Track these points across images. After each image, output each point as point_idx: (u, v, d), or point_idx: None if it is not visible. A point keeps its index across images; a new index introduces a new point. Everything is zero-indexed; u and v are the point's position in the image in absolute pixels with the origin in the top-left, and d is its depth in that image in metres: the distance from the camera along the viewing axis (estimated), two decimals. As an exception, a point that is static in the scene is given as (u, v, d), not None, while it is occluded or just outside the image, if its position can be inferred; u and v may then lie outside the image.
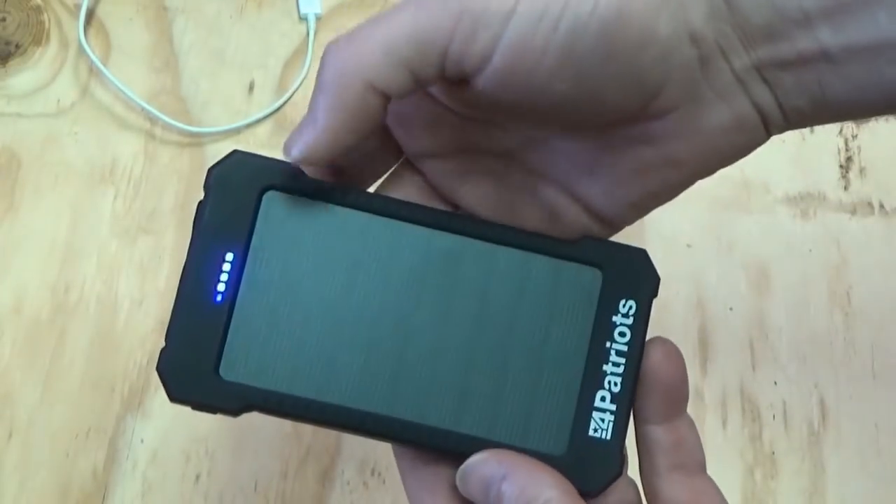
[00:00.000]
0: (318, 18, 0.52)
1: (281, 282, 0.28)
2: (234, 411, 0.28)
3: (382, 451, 0.42)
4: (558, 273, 0.29)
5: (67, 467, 0.41)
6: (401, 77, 0.26)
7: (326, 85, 0.26)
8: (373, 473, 0.42)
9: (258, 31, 0.51)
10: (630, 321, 0.28)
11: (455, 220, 0.29)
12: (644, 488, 0.29)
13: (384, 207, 0.29)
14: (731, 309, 0.46)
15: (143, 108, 0.49)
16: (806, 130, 0.50)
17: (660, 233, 0.47)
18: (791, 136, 0.50)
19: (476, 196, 0.30)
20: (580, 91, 0.26)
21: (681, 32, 0.25)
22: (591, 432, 0.28)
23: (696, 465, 0.28)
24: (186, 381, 0.28)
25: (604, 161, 0.29)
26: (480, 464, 0.27)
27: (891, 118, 0.51)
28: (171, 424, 0.42)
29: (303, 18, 0.52)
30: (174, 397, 0.28)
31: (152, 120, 0.49)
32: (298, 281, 0.28)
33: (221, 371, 0.28)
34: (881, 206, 0.49)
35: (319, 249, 0.28)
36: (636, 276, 0.29)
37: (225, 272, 0.28)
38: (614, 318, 0.28)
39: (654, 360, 0.28)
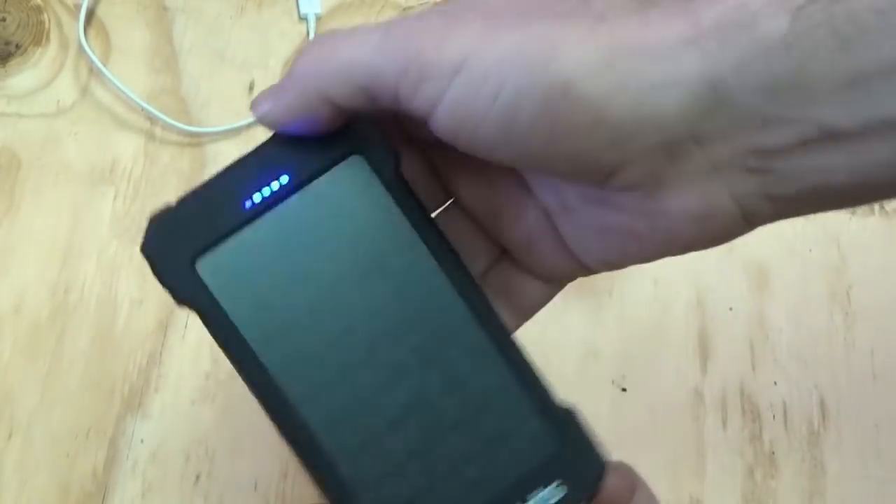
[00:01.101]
0: (318, 18, 0.52)
1: (296, 232, 0.27)
2: (179, 298, 0.27)
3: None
4: (526, 417, 0.28)
5: (67, 467, 0.41)
6: (356, 98, 0.25)
7: (291, 82, 0.26)
8: (373, 473, 0.42)
9: (258, 31, 0.51)
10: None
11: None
12: None
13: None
14: (731, 309, 0.46)
15: (143, 108, 0.49)
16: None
17: (660, 233, 0.48)
18: (791, 136, 0.50)
19: (470, 194, 0.30)
20: (527, 160, 0.25)
21: (641, 118, 0.22)
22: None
23: (624, 493, 0.28)
24: (167, 244, 0.27)
25: (574, 205, 0.27)
26: None
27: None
28: (170, 424, 0.42)
29: (303, 18, 0.52)
30: (146, 252, 0.27)
31: (152, 120, 0.49)
32: (308, 247, 0.27)
33: (200, 263, 0.27)
34: (881, 205, 0.49)
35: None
36: (583, 476, 0.29)
37: (270, 189, 0.27)
38: (539, 490, 0.28)
39: (613, 483, 0.29)
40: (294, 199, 0.27)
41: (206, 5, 0.52)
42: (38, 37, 0.51)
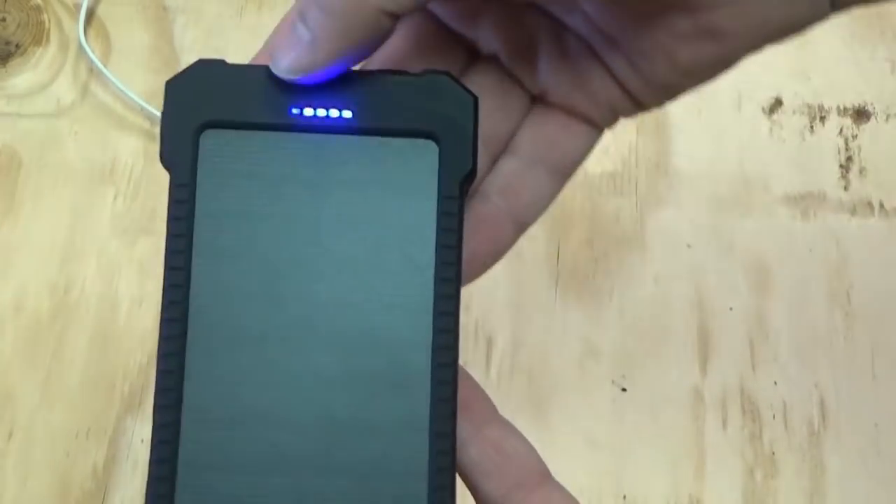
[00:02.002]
0: (318, 18, 0.52)
1: (315, 170, 0.24)
2: (163, 151, 0.25)
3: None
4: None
5: (67, 467, 0.41)
6: None
7: (335, 9, 0.23)
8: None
9: (258, 31, 0.51)
10: None
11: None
12: None
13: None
14: (731, 309, 0.46)
15: (143, 108, 0.49)
16: (806, 130, 0.51)
17: (660, 233, 0.47)
18: (791, 135, 0.50)
19: (505, 40, 0.27)
20: None
21: None
22: None
23: (534, 474, 0.24)
24: (193, 95, 0.24)
25: (629, 29, 0.25)
26: None
27: (890, 117, 0.51)
28: (171, 424, 0.42)
29: (303, 18, 0.52)
30: (169, 88, 0.25)
31: (152, 120, 0.49)
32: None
33: (208, 133, 0.25)
34: (881, 206, 0.49)
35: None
36: None
37: (327, 113, 0.24)
38: None
39: None
40: (339, 140, 0.24)
41: (206, 5, 0.52)
42: (38, 37, 0.51)
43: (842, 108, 0.51)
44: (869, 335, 0.46)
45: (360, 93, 0.24)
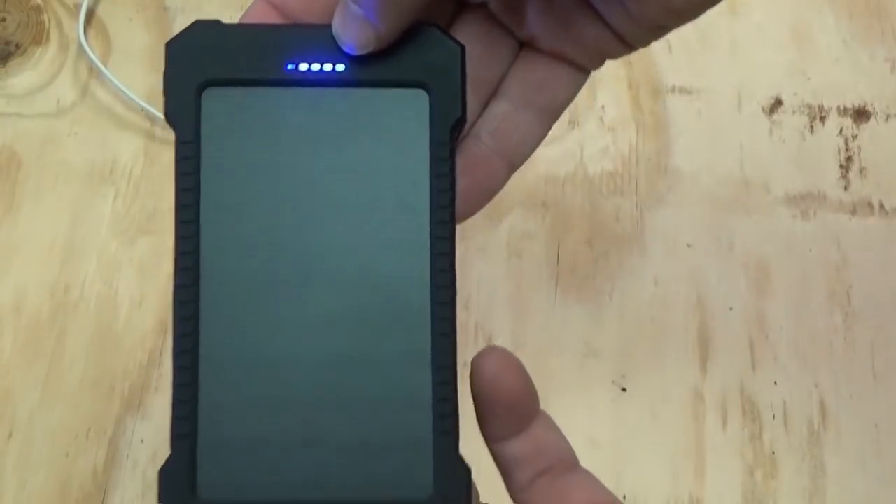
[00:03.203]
0: (318, 18, 0.52)
1: (312, 123, 0.25)
2: (168, 110, 0.25)
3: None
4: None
5: (67, 467, 0.41)
6: None
7: None
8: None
9: (258, 30, 0.51)
10: None
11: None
12: None
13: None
14: (731, 309, 0.46)
15: (143, 108, 0.49)
16: (806, 130, 0.51)
17: (660, 233, 0.47)
18: (791, 135, 0.50)
19: None
20: None
21: None
22: None
23: (563, 464, 0.26)
24: (191, 55, 0.25)
25: None
26: None
27: (890, 117, 0.51)
28: (171, 424, 0.42)
29: (303, 18, 0.52)
30: (169, 49, 0.25)
31: (152, 120, 0.49)
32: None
33: (209, 91, 0.25)
34: (881, 206, 0.49)
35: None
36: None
37: (321, 67, 0.25)
38: None
39: (489, 373, 0.25)
40: (334, 93, 0.25)
41: (206, 5, 0.52)
42: (38, 37, 0.51)
43: (842, 108, 0.51)
44: (869, 335, 0.46)
45: None
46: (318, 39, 0.25)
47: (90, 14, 0.51)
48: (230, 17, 0.55)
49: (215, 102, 0.25)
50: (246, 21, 0.26)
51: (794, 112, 0.51)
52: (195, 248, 0.25)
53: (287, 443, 0.24)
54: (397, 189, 0.25)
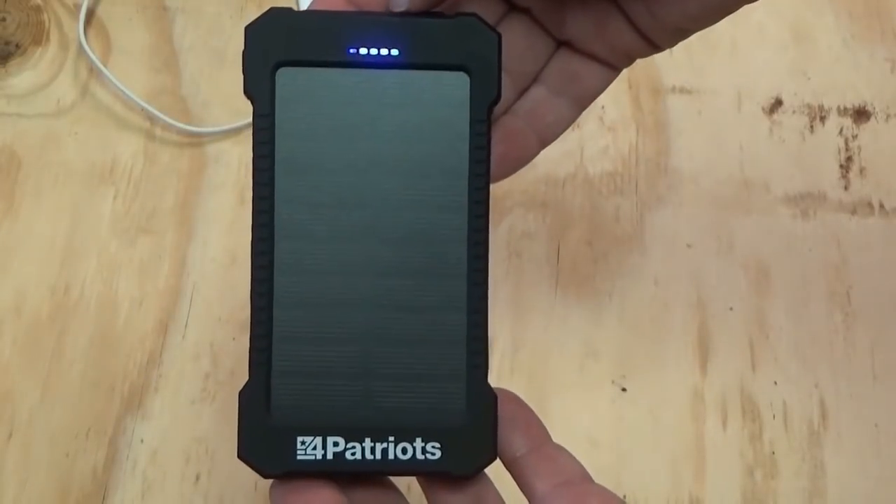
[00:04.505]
0: (318, 18, 0.52)
1: (370, 101, 0.29)
2: (247, 87, 0.29)
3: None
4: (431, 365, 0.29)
5: (67, 467, 0.41)
6: None
7: None
8: (373, 473, 0.42)
9: (258, 31, 0.51)
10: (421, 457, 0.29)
11: None
12: None
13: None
14: (731, 309, 0.46)
15: (143, 108, 0.49)
16: (806, 130, 0.51)
17: (660, 233, 0.47)
18: (791, 136, 0.50)
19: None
20: None
21: None
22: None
23: (578, 476, 0.29)
24: (268, 38, 0.29)
25: None
26: None
27: (890, 117, 0.51)
28: (171, 424, 0.42)
29: (303, 18, 0.52)
30: (249, 34, 0.30)
31: (152, 120, 0.49)
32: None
33: (282, 70, 0.29)
34: (881, 206, 0.49)
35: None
36: (467, 452, 0.29)
37: (378, 52, 0.29)
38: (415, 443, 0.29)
39: (507, 408, 0.29)
40: (389, 74, 0.29)
41: (206, 5, 0.52)
42: (38, 37, 0.51)
43: (842, 108, 0.51)
44: (869, 335, 0.46)
45: (405, 34, 0.29)
46: (377, 27, 0.29)
47: (90, 14, 0.51)
48: (230, 16, 0.55)
49: (287, 80, 0.29)
50: (315, 7, 0.30)
51: (794, 112, 0.51)
52: (270, 207, 0.28)
53: (344, 373, 0.29)
54: (441, 157, 0.29)
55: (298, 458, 0.28)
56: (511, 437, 0.29)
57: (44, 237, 0.46)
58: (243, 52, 0.29)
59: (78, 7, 0.51)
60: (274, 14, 0.29)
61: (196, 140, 0.49)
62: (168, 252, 0.46)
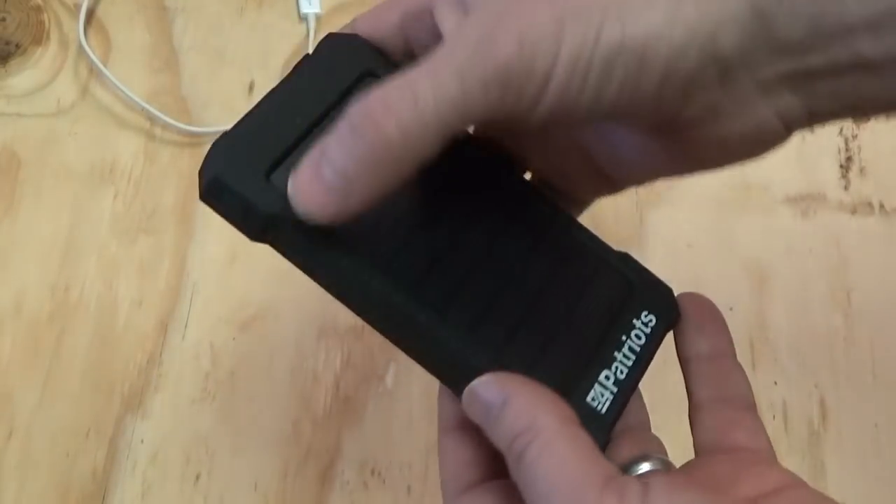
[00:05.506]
0: (318, 18, 0.52)
1: None
2: (264, 215, 0.26)
3: (382, 452, 0.42)
4: (599, 266, 0.30)
5: (67, 467, 0.41)
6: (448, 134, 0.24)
7: (364, 157, 0.24)
8: (373, 473, 0.42)
9: (258, 31, 0.51)
10: (648, 330, 0.29)
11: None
12: (691, 428, 0.29)
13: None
14: (731, 309, 0.46)
15: (143, 108, 0.49)
16: (806, 130, 0.50)
17: (660, 233, 0.47)
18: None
19: (506, 137, 0.31)
20: (601, 118, 0.26)
21: (706, 61, 0.24)
22: (588, 399, 0.28)
23: (740, 400, 0.29)
24: (236, 163, 0.27)
25: (617, 142, 0.29)
26: (483, 387, 0.26)
27: (891, 117, 0.51)
28: (171, 424, 0.42)
29: (303, 18, 0.52)
30: (209, 176, 0.27)
31: (152, 120, 0.49)
32: None
33: (274, 176, 0.26)
34: (881, 206, 0.49)
35: None
36: (661, 302, 0.30)
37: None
38: (634, 321, 0.29)
39: (691, 305, 0.30)
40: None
41: (206, 5, 0.52)
42: (38, 37, 0.51)
43: (842, 108, 0.51)
44: (869, 335, 0.46)
45: (320, 79, 0.31)
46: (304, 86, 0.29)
47: (90, 14, 0.51)
48: (230, 16, 0.55)
49: (285, 179, 0.26)
50: (365, 23, 0.30)
51: (794, 112, 0.51)
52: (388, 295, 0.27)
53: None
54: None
55: None
56: (695, 338, 0.30)
57: (44, 237, 0.46)
58: (231, 194, 0.27)
59: (78, 7, 0.51)
60: (219, 143, 0.28)
61: (196, 140, 0.49)
62: (168, 252, 0.46)
